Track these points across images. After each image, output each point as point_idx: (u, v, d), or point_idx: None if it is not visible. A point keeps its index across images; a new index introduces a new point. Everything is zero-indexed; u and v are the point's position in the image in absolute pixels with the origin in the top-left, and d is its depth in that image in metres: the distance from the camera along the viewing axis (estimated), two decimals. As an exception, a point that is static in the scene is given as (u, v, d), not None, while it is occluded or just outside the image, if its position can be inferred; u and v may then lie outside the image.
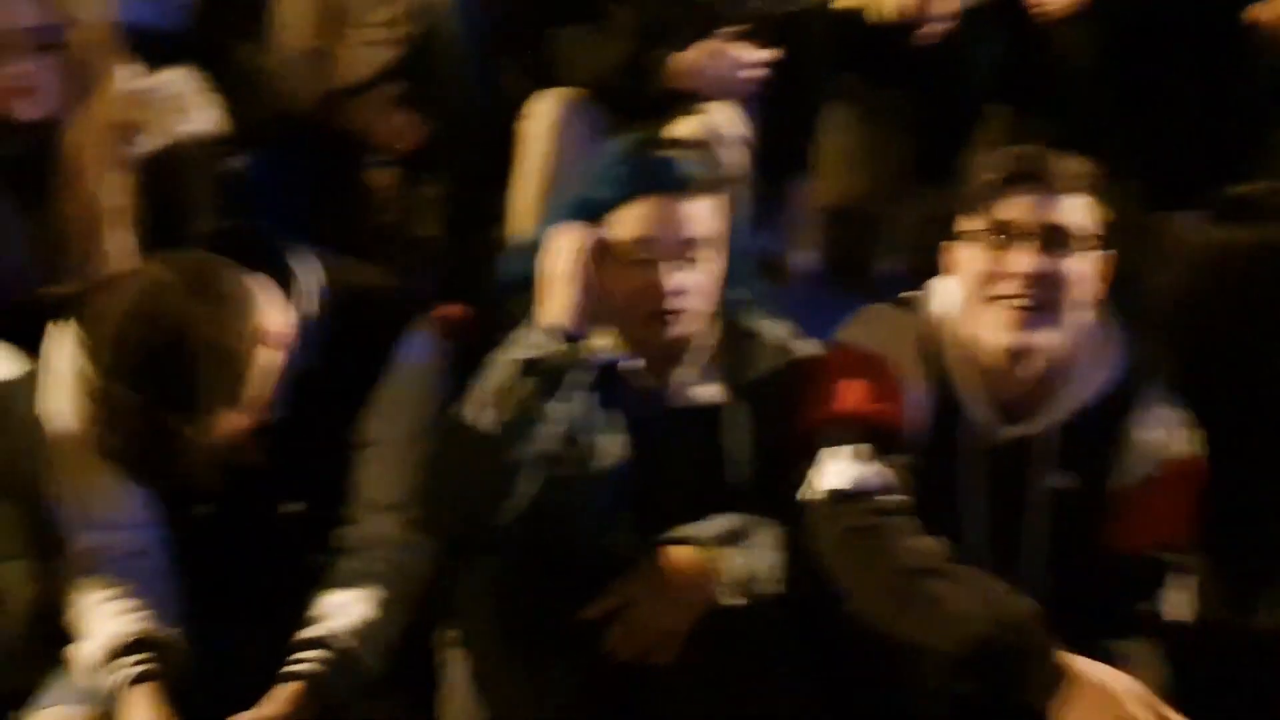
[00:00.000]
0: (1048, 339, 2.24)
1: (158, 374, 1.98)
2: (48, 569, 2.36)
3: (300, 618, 2.24)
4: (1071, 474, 2.31)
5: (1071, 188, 2.24)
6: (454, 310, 2.98)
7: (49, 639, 2.38)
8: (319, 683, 2.16)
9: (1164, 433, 2.33)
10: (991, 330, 2.24)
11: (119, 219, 2.55)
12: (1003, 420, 2.30)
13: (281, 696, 2.15)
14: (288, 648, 2.20)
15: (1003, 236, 2.23)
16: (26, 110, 2.52)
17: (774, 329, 2.45)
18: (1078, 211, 2.24)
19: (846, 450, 2.23)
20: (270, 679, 2.17)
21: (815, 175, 3.40)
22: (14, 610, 2.52)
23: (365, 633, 2.21)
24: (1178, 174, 3.25)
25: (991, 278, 2.23)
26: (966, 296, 2.27)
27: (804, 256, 3.41)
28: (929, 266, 2.59)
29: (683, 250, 2.29)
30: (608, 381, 2.32)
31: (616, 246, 2.29)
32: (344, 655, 2.18)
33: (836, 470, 2.23)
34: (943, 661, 2.11)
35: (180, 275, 2.04)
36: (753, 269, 2.56)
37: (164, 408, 1.97)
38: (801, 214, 3.41)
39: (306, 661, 2.17)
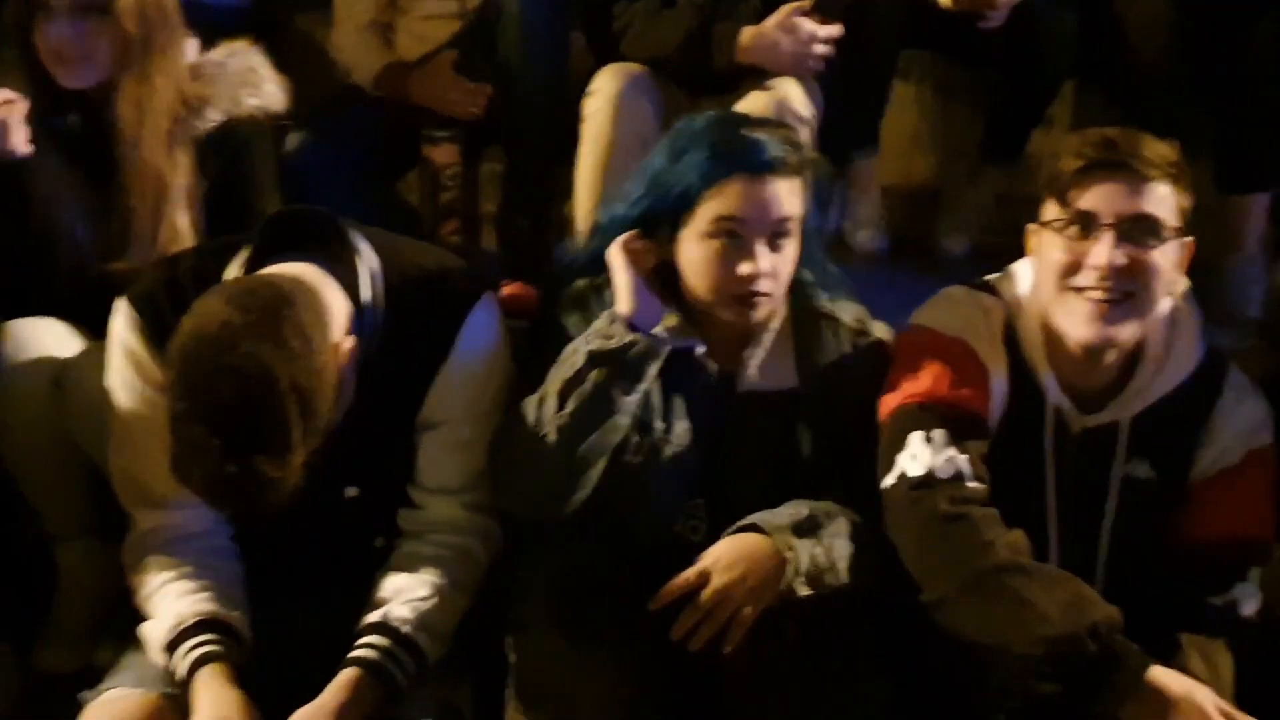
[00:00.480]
0: (1130, 332, 2.20)
1: (239, 422, 1.92)
2: (111, 548, 2.36)
3: (361, 601, 2.22)
4: (1151, 464, 2.27)
5: (1157, 175, 2.16)
6: (517, 289, 2.96)
7: (113, 618, 2.39)
8: (379, 670, 2.14)
9: (1245, 423, 2.28)
10: (1072, 321, 2.19)
11: (181, 195, 2.54)
12: (1082, 408, 2.26)
13: (342, 684, 2.13)
14: (348, 632, 2.19)
15: (1085, 226, 2.17)
16: (74, 77, 2.50)
17: (846, 311, 2.40)
18: (1163, 200, 2.17)
19: (928, 436, 2.19)
20: (330, 662, 2.16)
21: (881, 153, 3.36)
22: (77, 589, 2.53)
23: (426, 618, 2.19)
24: (1252, 156, 3.21)
25: (1073, 268, 2.18)
26: (1047, 285, 2.22)
27: (868, 236, 3.37)
28: (994, 247, 2.55)
29: (772, 232, 2.25)
30: (678, 367, 2.28)
31: (703, 230, 2.26)
32: (404, 641, 2.17)
33: (917, 457, 2.18)
34: (1020, 662, 2.07)
35: (250, 315, 1.95)
36: (821, 250, 2.52)
37: (247, 452, 1.93)
38: (866, 193, 3.37)
39: (367, 647, 2.16)
